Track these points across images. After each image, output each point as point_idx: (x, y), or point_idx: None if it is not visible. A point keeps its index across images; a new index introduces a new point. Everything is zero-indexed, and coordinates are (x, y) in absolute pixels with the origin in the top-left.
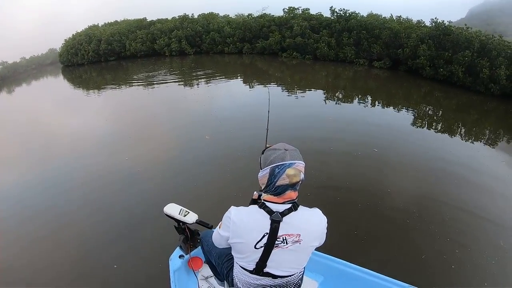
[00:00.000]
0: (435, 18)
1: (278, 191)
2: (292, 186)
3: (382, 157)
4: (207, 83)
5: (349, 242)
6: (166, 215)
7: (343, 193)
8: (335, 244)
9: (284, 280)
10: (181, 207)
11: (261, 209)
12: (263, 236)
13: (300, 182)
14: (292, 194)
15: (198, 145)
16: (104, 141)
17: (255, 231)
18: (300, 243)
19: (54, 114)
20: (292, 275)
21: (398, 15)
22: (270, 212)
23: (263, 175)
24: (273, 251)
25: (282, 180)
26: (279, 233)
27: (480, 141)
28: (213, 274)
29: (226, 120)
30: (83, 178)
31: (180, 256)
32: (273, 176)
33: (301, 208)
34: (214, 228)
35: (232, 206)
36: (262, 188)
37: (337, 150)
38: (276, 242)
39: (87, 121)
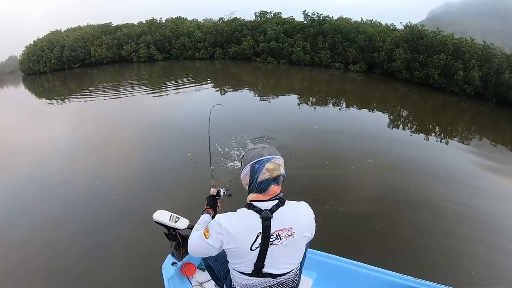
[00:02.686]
0: (409, 22)
1: (262, 187)
2: (274, 180)
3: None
4: (176, 91)
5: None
6: (156, 222)
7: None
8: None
9: (283, 277)
10: (171, 213)
11: (250, 210)
12: (257, 236)
13: (282, 176)
14: (276, 189)
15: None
16: (66, 154)
17: (248, 233)
18: (293, 236)
19: (14, 128)
20: (290, 271)
21: (369, 19)
22: (259, 211)
23: (245, 173)
24: (268, 249)
25: (263, 175)
26: (272, 230)
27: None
28: (210, 279)
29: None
30: (39, 190)
31: (173, 264)
32: (254, 172)
33: (287, 203)
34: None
35: (218, 214)
36: (247, 188)
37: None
38: (270, 240)
39: (48, 135)
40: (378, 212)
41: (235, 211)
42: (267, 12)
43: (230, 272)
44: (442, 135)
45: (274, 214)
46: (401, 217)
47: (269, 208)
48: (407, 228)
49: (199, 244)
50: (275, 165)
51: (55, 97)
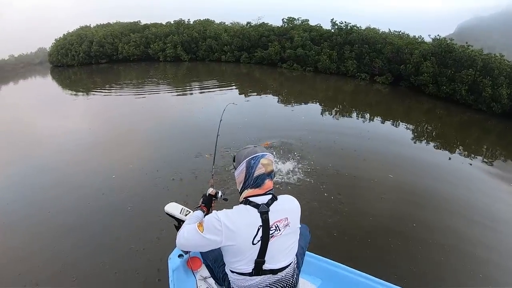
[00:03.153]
0: (437, 35)
1: (258, 181)
2: (268, 175)
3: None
4: (200, 92)
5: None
6: (167, 214)
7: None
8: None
9: (283, 273)
10: (182, 206)
11: (247, 205)
12: (258, 230)
13: (273, 172)
14: (270, 183)
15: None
16: (87, 146)
17: (249, 227)
18: (289, 226)
19: (38, 116)
20: (289, 265)
21: (397, 30)
22: (256, 206)
23: (240, 171)
24: (269, 242)
25: (259, 170)
26: (271, 223)
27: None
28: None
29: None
30: (57, 178)
31: (180, 256)
32: (250, 167)
33: (279, 196)
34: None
35: (215, 211)
36: (240, 186)
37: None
38: (271, 232)
39: (70, 126)
40: (395, 229)
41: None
42: (295, 19)
43: (228, 276)
44: (466, 153)
45: (271, 207)
46: (417, 236)
47: (265, 202)
48: (424, 248)
49: (191, 236)
50: (269, 161)
51: (81, 89)
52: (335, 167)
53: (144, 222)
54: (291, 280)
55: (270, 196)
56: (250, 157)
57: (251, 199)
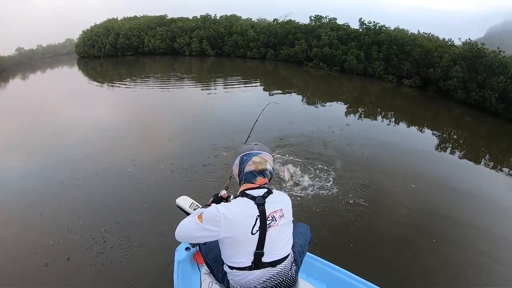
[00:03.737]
0: (468, 38)
1: (249, 177)
2: (259, 173)
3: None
4: (225, 88)
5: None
6: (178, 206)
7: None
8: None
9: (281, 266)
10: (192, 200)
11: (244, 198)
12: (256, 219)
13: (268, 172)
14: (263, 180)
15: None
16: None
17: (247, 218)
18: (284, 217)
19: (62, 106)
20: (286, 257)
21: (426, 32)
22: (252, 198)
23: (235, 165)
24: (267, 232)
25: (249, 166)
26: (267, 213)
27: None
28: None
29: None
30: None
31: (187, 249)
32: (241, 163)
33: (274, 191)
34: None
35: (214, 204)
36: (238, 180)
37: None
38: (268, 222)
39: (92, 116)
40: (414, 243)
41: None
42: (322, 17)
43: (228, 275)
44: (493, 164)
45: (267, 199)
46: (439, 253)
47: (261, 195)
48: (445, 265)
49: (191, 226)
50: (262, 159)
51: (106, 81)
52: (359, 172)
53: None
54: (289, 273)
55: (265, 190)
56: (243, 154)
57: (247, 191)
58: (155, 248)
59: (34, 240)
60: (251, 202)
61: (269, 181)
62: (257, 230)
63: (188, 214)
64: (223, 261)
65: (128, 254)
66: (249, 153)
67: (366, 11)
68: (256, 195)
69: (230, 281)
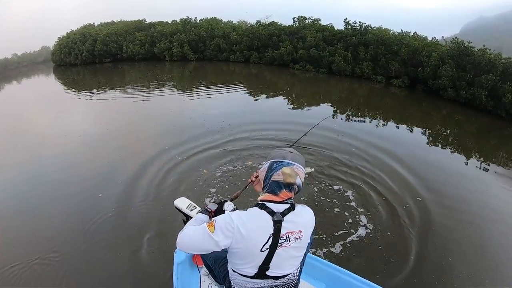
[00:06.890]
0: (455, 37)
1: (274, 188)
2: (286, 186)
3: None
4: (207, 93)
5: None
6: (176, 208)
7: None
8: None
9: (285, 279)
10: (190, 201)
11: (262, 210)
12: (269, 238)
13: (296, 186)
14: (287, 194)
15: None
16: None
17: (260, 234)
18: (301, 239)
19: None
20: (292, 273)
21: (407, 31)
22: (271, 212)
23: (263, 169)
24: (276, 251)
25: (277, 176)
26: (282, 232)
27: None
28: None
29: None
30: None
31: None
32: (270, 170)
33: (297, 207)
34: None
35: (229, 212)
36: (262, 186)
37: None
38: (280, 241)
39: (69, 128)
40: (428, 261)
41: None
42: (306, 18)
43: (230, 274)
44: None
45: (286, 217)
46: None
47: (281, 211)
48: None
49: (198, 236)
50: (293, 171)
51: (83, 90)
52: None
53: None
54: (291, 284)
55: (287, 206)
56: (274, 160)
57: (267, 204)
58: None
59: None
60: (268, 217)
61: (295, 194)
62: (267, 248)
63: (185, 215)
64: (224, 261)
65: None
66: (281, 162)
67: (334, 11)
68: (276, 211)
69: (232, 282)
